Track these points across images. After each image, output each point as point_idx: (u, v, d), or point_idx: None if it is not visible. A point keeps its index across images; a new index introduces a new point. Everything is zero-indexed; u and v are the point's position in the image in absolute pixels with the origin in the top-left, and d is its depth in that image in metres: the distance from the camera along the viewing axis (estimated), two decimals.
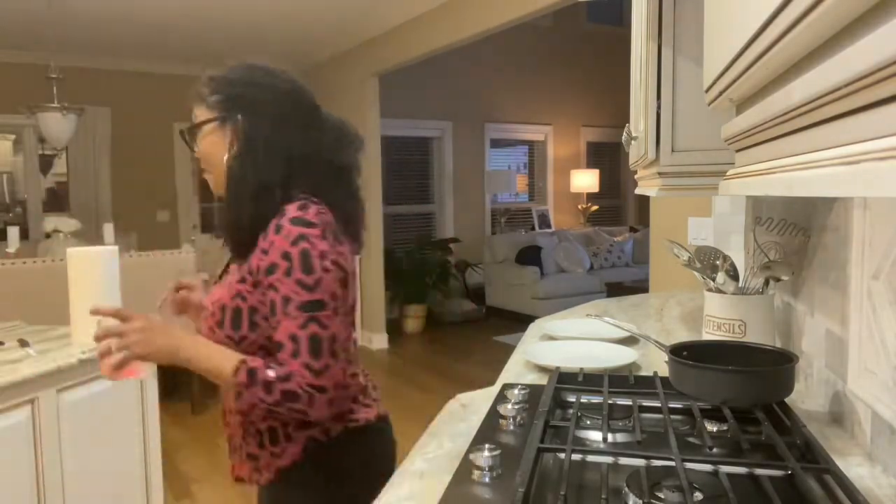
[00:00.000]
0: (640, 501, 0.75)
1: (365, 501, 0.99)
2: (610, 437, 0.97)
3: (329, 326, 1.08)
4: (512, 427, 1.06)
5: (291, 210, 1.12)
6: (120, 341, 1.11)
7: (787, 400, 1.04)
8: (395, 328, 6.39)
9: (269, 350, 1.13)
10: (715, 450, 0.91)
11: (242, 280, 1.15)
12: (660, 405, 1.04)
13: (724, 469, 0.82)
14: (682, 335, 1.74)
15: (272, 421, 1.17)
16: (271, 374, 1.06)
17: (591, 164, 8.35)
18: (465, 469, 0.90)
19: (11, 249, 4.53)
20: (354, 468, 1.20)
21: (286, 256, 1.09)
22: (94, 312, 1.18)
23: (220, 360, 1.10)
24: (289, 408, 1.06)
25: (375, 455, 1.24)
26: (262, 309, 1.14)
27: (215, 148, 1.21)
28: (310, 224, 1.11)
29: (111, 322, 1.15)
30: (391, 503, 0.90)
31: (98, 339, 1.14)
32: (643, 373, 1.35)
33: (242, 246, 1.17)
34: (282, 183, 1.17)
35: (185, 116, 1.27)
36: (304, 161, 1.19)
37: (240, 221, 1.17)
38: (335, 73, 6.11)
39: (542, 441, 0.91)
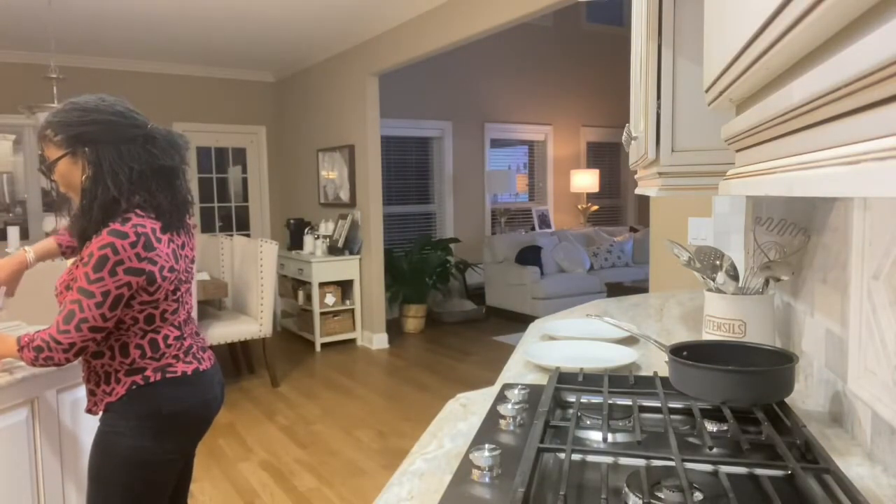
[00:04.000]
0: (640, 501, 0.75)
1: (170, 432, 1.57)
2: (610, 437, 0.97)
3: (85, 311, 1.45)
4: (512, 427, 1.06)
5: (115, 224, 1.46)
6: None
7: (787, 400, 1.04)
8: (395, 328, 6.39)
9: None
10: (715, 450, 0.91)
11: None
12: (660, 405, 1.04)
13: (724, 469, 0.83)
14: (682, 335, 1.74)
15: (106, 367, 1.55)
16: (38, 340, 1.47)
17: (591, 164, 8.35)
18: (465, 469, 0.90)
19: (11, 249, 4.53)
20: (164, 405, 1.56)
21: (90, 255, 1.44)
22: None
23: (7, 340, 1.58)
24: (44, 357, 1.46)
25: (186, 397, 1.60)
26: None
27: (71, 174, 1.53)
28: (122, 235, 1.45)
29: None
30: (391, 503, 0.90)
31: None
32: (643, 373, 1.35)
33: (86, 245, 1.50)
34: (126, 195, 1.49)
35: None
36: (141, 173, 1.52)
37: (89, 229, 1.49)
38: (335, 73, 6.12)
39: (542, 441, 0.91)
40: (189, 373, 1.60)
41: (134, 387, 1.54)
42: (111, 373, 1.55)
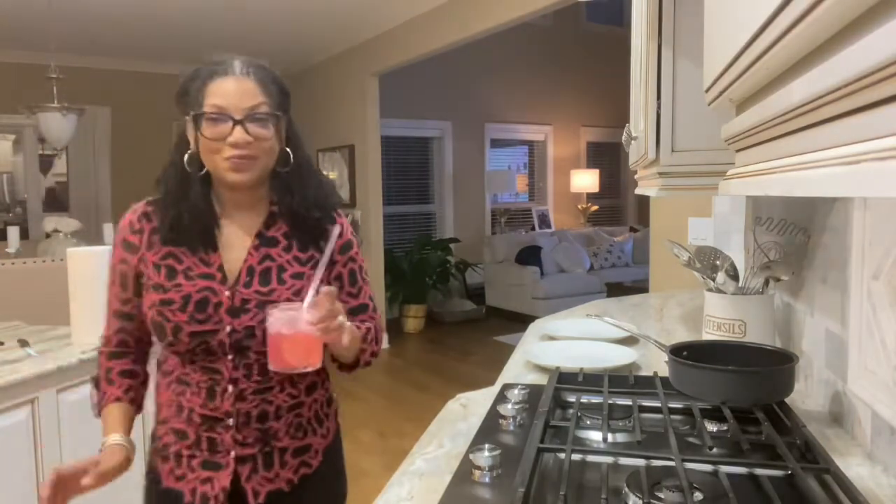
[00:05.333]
0: (640, 501, 0.75)
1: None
2: (610, 437, 0.97)
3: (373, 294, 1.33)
4: (512, 427, 1.06)
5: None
6: (338, 322, 1.10)
7: (787, 400, 1.04)
8: (395, 328, 6.39)
9: None
10: (715, 450, 0.91)
11: (315, 265, 1.20)
12: (660, 405, 1.04)
13: (724, 469, 0.82)
14: (682, 335, 1.74)
15: (315, 406, 1.27)
16: (374, 330, 1.27)
17: (591, 164, 8.35)
18: (465, 469, 0.90)
19: (11, 249, 4.52)
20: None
21: (353, 234, 1.29)
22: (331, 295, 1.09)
23: (357, 330, 1.19)
24: (377, 351, 1.29)
25: None
26: (333, 284, 1.23)
27: (277, 136, 1.19)
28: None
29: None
30: (391, 503, 0.90)
31: (325, 318, 1.07)
32: (643, 373, 1.35)
33: (311, 228, 1.23)
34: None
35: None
36: None
37: (315, 204, 1.22)
38: (335, 73, 6.11)
39: (542, 441, 0.91)
40: None
41: (336, 411, 1.34)
42: (318, 409, 1.27)
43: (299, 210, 1.21)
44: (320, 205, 1.23)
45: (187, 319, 1.14)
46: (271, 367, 1.11)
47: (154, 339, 1.23)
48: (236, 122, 1.11)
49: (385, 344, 5.94)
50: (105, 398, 1.23)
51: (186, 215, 1.17)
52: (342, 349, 1.15)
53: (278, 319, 1.09)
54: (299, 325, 1.08)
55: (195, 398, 1.17)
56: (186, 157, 1.17)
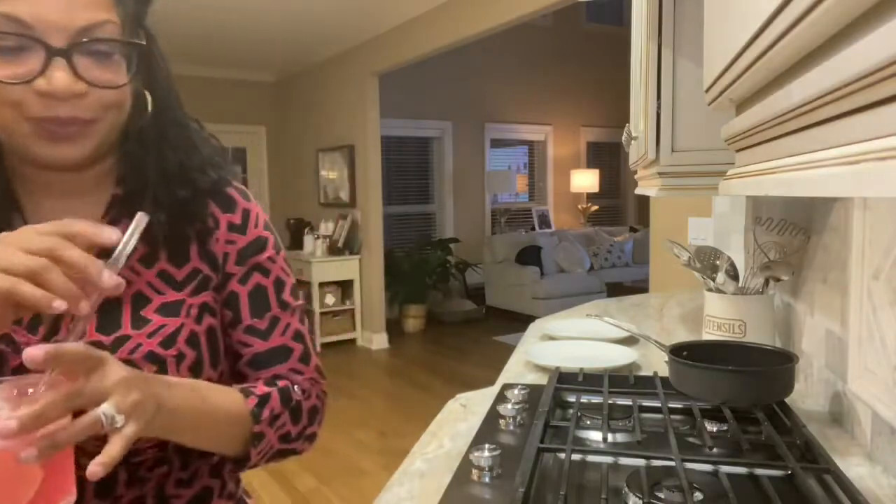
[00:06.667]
0: (640, 501, 0.75)
1: None
2: (610, 437, 0.97)
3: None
4: (512, 427, 1.06)
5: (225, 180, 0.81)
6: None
7: (787, 400, 1.04)
8: (395, 328, 6.39)
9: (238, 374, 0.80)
10: (715, 450, 0.91)
11: (201, 286, 0.75)
12: (660, 405, 1.04)
13: (724, 469, 0.82)
14: (682, 335, 1.74)
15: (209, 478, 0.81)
16: (297, 392, 0.78)
17: (591, 164, 8.36)
18: (465, 469, 0.90)
19: None
20: None
21: (268, 228, 0.81)
22: (53, 357, 0.53)
23: (221, 397, 0.70)
24: (311, 433, 0.81)
25: None
26: (224, 315, 0.77)
27: (122, 76, 0.70)
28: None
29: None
30: (391, 503, 0.90)
31: (48, 415, 0.53)
32: (643, 373, 1.35)
33: (180, 221, 0.74)
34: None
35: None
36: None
37: (180, 175, 0.75)
38: (335, 73, 6.11)
39: (542, 441, 0.91)
40: None
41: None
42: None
43: (148, 185, 0.72)
44: (190, 177, 0.75)
45: None
46: None
47: None
48: (54, 55, 0.62)
49: (385, 344, 5.94)
50: None
51: None
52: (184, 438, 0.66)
53: None
54: None
55: None
56: None
